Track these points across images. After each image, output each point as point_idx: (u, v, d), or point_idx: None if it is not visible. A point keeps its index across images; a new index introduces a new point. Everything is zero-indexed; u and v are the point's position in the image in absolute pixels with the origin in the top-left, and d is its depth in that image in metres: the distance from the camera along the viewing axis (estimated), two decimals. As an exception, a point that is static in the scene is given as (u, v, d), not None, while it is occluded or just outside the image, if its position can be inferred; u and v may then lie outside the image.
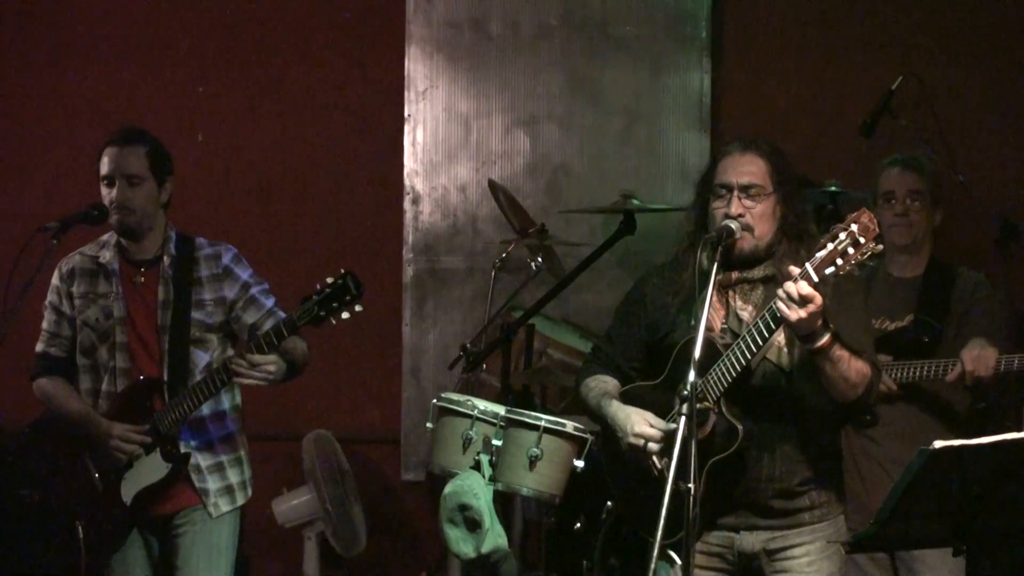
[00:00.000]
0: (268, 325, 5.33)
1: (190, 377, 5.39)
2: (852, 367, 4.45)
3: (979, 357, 5.38)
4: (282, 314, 5.37)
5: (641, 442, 4.62)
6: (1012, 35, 7.46)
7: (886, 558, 5.64)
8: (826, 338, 4.36)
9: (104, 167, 5.42)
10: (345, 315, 5.05)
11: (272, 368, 5.20)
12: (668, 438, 4.50)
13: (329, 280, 5.06)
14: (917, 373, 5.53)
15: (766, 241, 4.61)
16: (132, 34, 7.89)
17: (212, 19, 7.88)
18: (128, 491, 5.39)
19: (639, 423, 4.64)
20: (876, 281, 5.72)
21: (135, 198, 5.40)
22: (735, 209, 4.58)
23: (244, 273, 5.52)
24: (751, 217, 4.58)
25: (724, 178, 4.64)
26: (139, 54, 7.88)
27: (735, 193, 4.59)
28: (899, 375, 5.55)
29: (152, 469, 5.37)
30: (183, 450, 5.39)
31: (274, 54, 7.86)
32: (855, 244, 4.19)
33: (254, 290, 5.49)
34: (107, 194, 5.42)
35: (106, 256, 5.51)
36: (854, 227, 4.19)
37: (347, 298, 5.04)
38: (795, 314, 4.25)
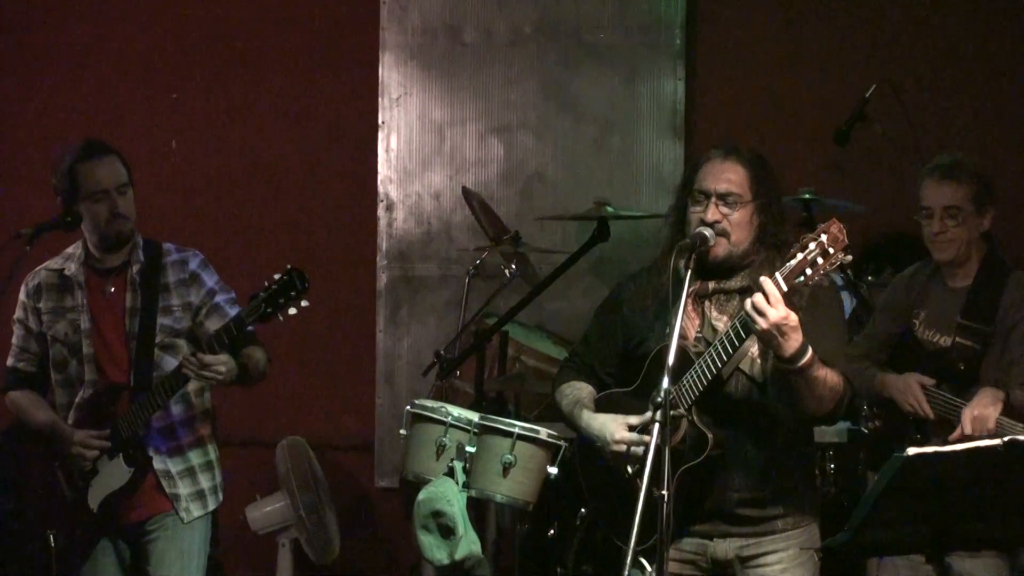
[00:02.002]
0: None
1: None
2: (827, 385, 4.45)
3: (977, 419, 5.15)
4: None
5: (624, 447, 4.61)
6: (987, 41, 7.49)
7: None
8: (806, 358, 4.35)
9: (92, 183, 5.31)
10: (292, 311, 5.04)
11: (223, 368, 5.16)
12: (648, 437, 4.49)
13: (275, 276, 5.05)
14: (941, 407, 5.32)
15: (742, 248, 4.60)
16: (105, 42, 7.86)
17: (185, 27, 7.85)
18: (95, 498, 5.37)
19: (618, 429, 4.64)
20: (933, 290, 5.52)
21: (128, 206, 5.38)
22: (711, 216, 4.57)
23: (210, 280, 5.49)
24: (727, 224, 4.57)
25: (703, 184, 4.62)
26: (112, 62, 7.85)
27: (713, 200, 4.58)
28: (934, 404, 5.36)
29: (116, 474, 5.35)
30: (151, 456, 5.37)
31: (248, 61, 7.84)
32: (824, 254, 4.20)
33: (219, 298, 5.46)
34: (95, 209, 5.32)
35: (71, 268, 5.46)
36: (823, 237, 4.20)
37: (292, 294, 5.03)
38: (764, 323, 4.26)
